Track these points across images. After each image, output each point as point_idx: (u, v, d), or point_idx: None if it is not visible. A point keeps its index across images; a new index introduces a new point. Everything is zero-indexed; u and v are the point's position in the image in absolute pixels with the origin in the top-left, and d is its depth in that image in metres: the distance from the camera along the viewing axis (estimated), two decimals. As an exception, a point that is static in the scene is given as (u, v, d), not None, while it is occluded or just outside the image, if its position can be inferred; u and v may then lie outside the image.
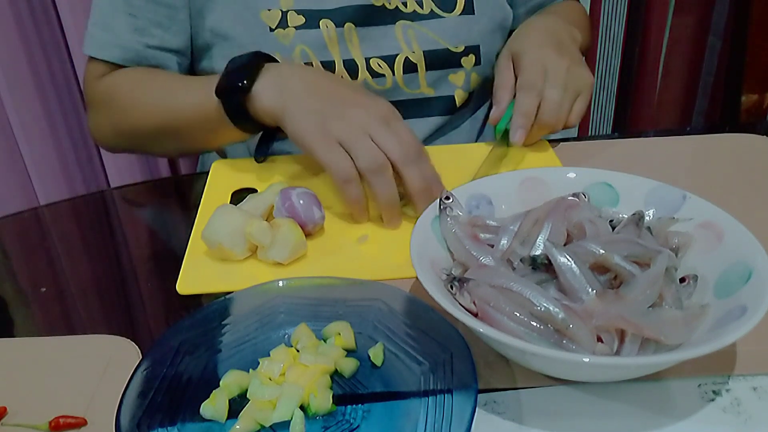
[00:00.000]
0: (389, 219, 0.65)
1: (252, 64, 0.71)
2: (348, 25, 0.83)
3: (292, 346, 0.51)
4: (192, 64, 0.90)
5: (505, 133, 0.77)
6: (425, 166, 0.65)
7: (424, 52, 0.86)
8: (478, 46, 0.88)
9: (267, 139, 0.76)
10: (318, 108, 0.66)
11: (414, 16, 0.85)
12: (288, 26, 0.81)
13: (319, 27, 0.82)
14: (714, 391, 0.47)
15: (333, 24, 0.82)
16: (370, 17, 0.84)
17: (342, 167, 0.63)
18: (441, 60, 0.87)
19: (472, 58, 0.88)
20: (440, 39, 0.86)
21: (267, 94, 0.68)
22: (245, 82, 0.68)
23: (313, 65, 0.82)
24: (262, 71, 0.70)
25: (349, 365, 0.49)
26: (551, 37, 0.80)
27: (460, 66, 0.88)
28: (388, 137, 0.63)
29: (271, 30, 0.81)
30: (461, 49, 0.87)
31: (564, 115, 0.75)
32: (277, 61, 0.74)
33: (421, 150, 0.65)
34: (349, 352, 0.50)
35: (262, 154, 0.77)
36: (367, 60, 0.84)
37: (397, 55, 0.85)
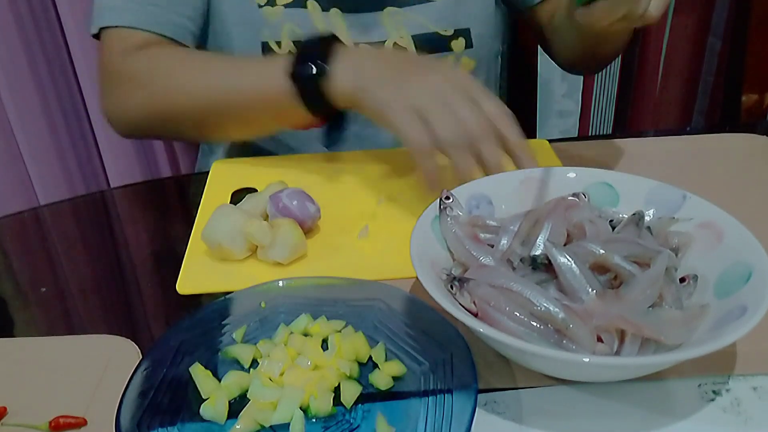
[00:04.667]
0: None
1: (323, 47, 0.70)
2: (334, 10, 0.82)
3: (293, 333, 0.51)
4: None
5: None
6: (508, 132, 0.62)
7: (412, 36, 0.85)
8: (468, 29, 0.87)
9: (335, 126, 0.74)
10: (395, 78, 0.65)
11: (401, 3, 0.85)
12: (276, 4, 0.81)
13: (307, 7, 0.82)
14: (714, 391, 0.47)
15: (319, 7, 0.82)
16: (356, 4, 0.83)
17: (419, 140, 0.61)
18: (430, 44, 0.86)
19: (461, 41, 0.87)
20: (428, 23, 0.85)
21: (344, 76, 0.67)
22: (324, 65, 0.67)
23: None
24: (336, 55, 0.68)
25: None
26: None
27: (450, 50, 0.87)
28: (467, 108, 0.61)
29: (260, 6, 0.81)
30: (450, 32, 0.86)
31: None
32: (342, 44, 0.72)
33: (503, 115, 0.62)
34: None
35: (333, 141, 0.75)
36: (356, 45, 0.84)
37: (385, 41, 0.85)
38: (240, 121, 0.77)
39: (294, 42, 0.81)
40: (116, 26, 0.80)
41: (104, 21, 0.80)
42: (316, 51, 0.69)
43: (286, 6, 0.81)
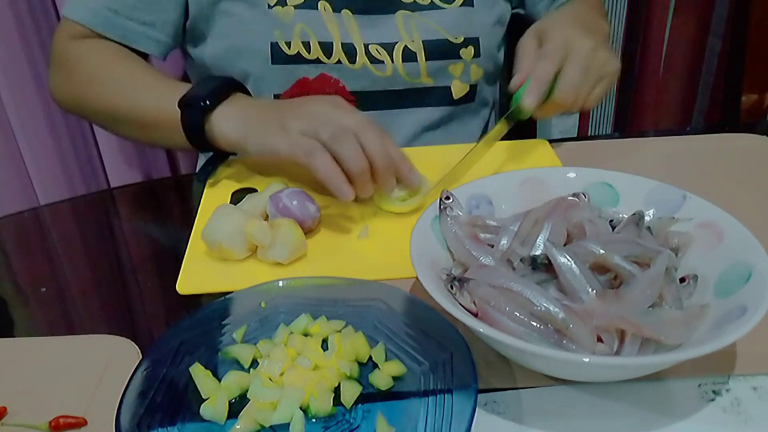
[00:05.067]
0: (360, 187, 0.65)
1: (221, 88, 0.73)
2: (345, 11, 0.83)
3: (293, 333, 0.51)
4: (185, 48, 0.90)
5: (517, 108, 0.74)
6: (387, 142, 0.65)
7: (423, 41, 0.86)
8: (478, 38, 0.88)
9: (213, 162, 0.76)
10: (276, 117, 0.67)
11: (414, 7, 0.86)
12: (287, 4, 0.82)
13: (318, 8, 0.82)
14: (714, 391, 0.47)
15: (331, 8, 0.83)
16: (369, 6, 0.84)
17: (302, 143, 0.64)
18: (440, 50, 0.87)
19: (471, 49, 0.88)
20: (440, 29, 0.86)
21: (227, 122, 0.70)
22: (208, 102, 0.70)
23: (311, 45, 0.82)
24: (229, 98, 0.72)
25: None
26: (578, 22, 0.79)
27: (459, 57, 0.88)
28: (344, 114, 0.65)
29: (270, 7, 0.82)
30: (461, 40, 0.87)
31: (582, 97, 0.73)
32: (247, 91, 0.77)
33: (381, 129, 0.65)
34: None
35: (205, 175, 0.76)
36: (366, 46, 0.84)
37: (396, 43, 0.85)
38: (140, 132, 0.81)
39: (303, 43, 0.82)
40: (72, 19, 0.83)
41: (66, 10, 0.84)
42: (211, 89, 0.72)
43: (296, 7, 0.82)
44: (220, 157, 0.76)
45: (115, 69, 0.81)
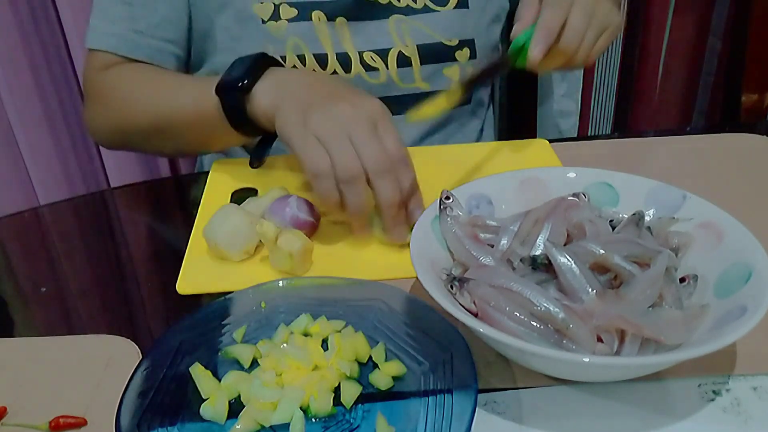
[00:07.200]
0: (357, 228, 0.63)
1: (256, 66, 0.70)
2: (340, 19, 0.82)
3: (293, 333, 0.51)
4: (190, 67, 0.90)
5: (519, 52, 0.72)
6: (404, 176, 0.61)
7: (417, 46, 0.85)
8: (473, 39, 0.88)
9: (263, 145, 0.75)
10: (305, 102, 0.64)
11: (408, 11, 0.85)
12: (280, 19, 0.81)
13: (311, 19, 0.82)
14: (714, 391, 0.47)
15: (325, 17, 0.82)
16: (362, 12, 0.84)
17: (315, 162, 0.60)
18: (435, 54, 0.86)
19: (466, 51, 0.88)
20: (434, 33, 0.86)
21: (265, 95, 0.67)
22: (246, 81, 0.67)
23: (305, 58, 0.82)
24: (264, 74, 0.69)
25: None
26: None
27: (455, 60, 0.87)
28: (368, 142, 0.60)
29: (263, 22, 0.81)
30: (455, 42, 0.87)
31: (586, 46, 0.72)
32: (282, 65, 0.73)
33: (402, 158, 0.61)
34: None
35: (257, 159, 0.75)
36: (360, 54, 0.84)
37: (390, 49, 0.85)
38: (184, 137, 0.78)
39: (297, 56, 0.82)
40: (99, 49, 0.83)
41: (90, 42, 0.83)
42: (246, 68, 0.69)
43: (290, 20, 0.81)
44: (269, 139, 0.74)
45: (149, 83, 0.81)
